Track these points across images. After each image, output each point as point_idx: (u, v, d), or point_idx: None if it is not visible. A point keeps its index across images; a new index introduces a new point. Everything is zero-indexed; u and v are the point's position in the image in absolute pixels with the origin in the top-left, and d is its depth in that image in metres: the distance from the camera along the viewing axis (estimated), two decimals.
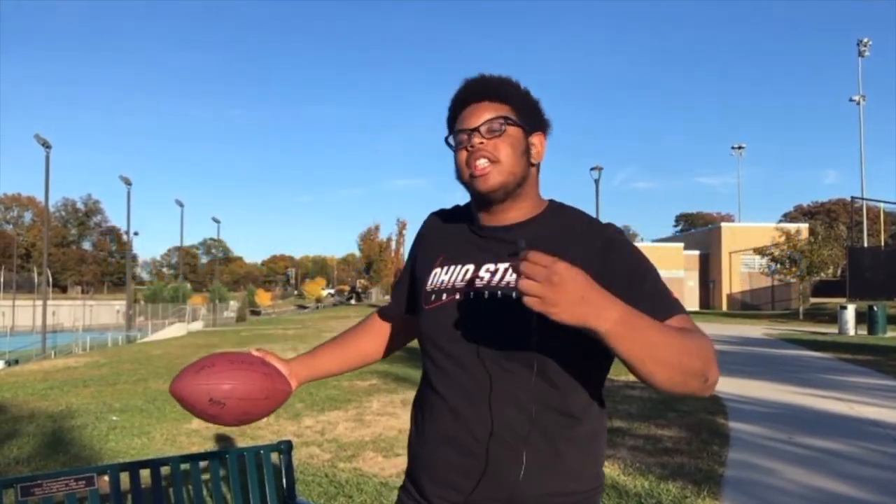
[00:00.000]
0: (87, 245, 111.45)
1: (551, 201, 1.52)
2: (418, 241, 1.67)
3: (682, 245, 47.52)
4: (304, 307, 75.01)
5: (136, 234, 57.55)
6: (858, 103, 40.40)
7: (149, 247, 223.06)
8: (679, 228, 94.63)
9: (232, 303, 64.65)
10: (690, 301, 46.09)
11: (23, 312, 57.40)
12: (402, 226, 67.69)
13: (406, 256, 1.82)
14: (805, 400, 8.62)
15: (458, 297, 1.43)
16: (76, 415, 7.91)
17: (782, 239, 34.93)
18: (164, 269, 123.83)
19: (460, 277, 1.46)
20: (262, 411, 1.53)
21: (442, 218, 1.64)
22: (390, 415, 7.70)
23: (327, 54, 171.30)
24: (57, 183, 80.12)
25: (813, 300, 39.16)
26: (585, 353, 1.31)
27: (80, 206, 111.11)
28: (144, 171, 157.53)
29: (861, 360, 13.62)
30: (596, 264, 1.29)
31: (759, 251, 36.57)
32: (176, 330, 33.70)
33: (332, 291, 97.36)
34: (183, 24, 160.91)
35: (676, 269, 45.93)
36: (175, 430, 6.97)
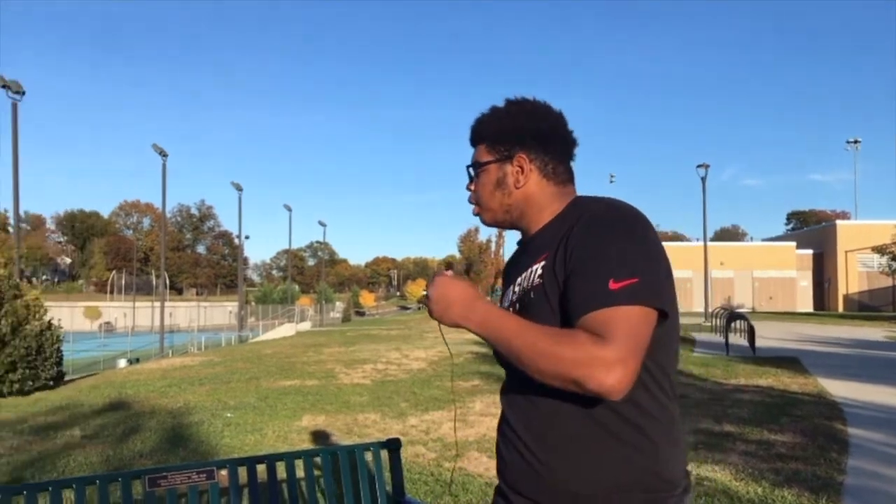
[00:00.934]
0: (201, 249, 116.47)
1: (573, 200, 1.52)
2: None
3: (794, 244, 45.39)
4: (406, 308, 76.16)
5: (247, 237, 60.19)
6: None
7: (259, 250, 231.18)
8: (791, 227, 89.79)
9: (338, 304, 66.55)
10: (804, 302, 43.96)
11: (142, 313, 61.26)
12: None
13: (505, 259, 1.97)
14: None
15: (505, 304, 1.58)
16: (193, 411, 8.30)
17: None
18: (274, 272, 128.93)
19: (510, 290, 1.60)
20: None
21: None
22: (493, 415, 7.67)
23: (431, 58, 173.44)
24: (173, 189, 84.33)
25: None
26: None
27: (194, 211, 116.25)
28: (255, 177, 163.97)
29: None
30: (560, 253, 1.37)
31: (879, 249, 34.33)
32: (285, 330, 34.95)
33: None
34: (289, 39, 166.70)
35: (788, 268, 43.90)
36: (286, 428, 7.20)
